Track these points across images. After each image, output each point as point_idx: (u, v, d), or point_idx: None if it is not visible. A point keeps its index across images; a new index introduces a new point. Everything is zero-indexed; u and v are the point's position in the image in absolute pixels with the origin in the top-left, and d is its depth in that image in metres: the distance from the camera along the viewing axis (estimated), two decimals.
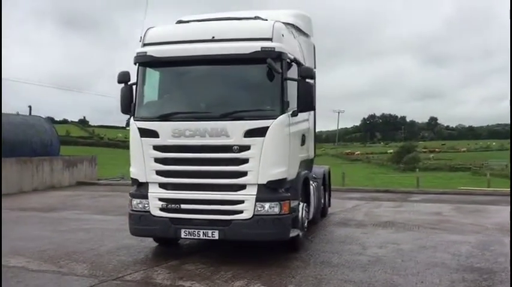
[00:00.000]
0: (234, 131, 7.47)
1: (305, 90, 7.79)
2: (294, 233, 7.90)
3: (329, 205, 13.33)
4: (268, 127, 7.43)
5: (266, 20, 8.11)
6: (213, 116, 7.63)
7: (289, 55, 7.95)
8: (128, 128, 8.20)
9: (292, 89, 7.80)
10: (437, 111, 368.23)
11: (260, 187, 7.52)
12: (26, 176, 19.86)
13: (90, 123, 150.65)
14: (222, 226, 7.56)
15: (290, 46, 8.18)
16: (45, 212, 13.96)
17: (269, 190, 7.57)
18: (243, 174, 7.51)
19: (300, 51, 9.17)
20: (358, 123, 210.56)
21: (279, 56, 7.58)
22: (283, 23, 8.78)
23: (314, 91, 10.10)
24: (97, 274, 7.20)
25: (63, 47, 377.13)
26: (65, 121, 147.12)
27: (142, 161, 7.86)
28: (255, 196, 7.49)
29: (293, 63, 8.14)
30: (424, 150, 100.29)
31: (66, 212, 13.93)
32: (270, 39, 7.59)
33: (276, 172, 7.54)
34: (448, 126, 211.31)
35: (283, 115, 7.58)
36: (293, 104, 7.80)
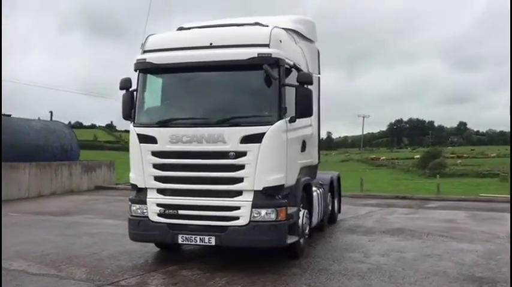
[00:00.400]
0: (230, 137, 7.48)
1: (303, 96, 7.75)
2: (291, 239, 7.85)
3: (339, 211, 13.22)
4: (264, 133, 7.41)
5: (266, 26, 8.11)
6: (210, 122, 7.66)
7: (288, 61, 7.93)
8: None
9: (291, 95, 7.77)
10: (467, 115, 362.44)
11: (256, 193, 7.51)
12: (45, 180, 20.24)
13: (117, 128, 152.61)
14: (219, 232, 7.56)
15: (289, 52, 8.16)
16: (59, 216, 14.20)
17: (266, 196, 7.54)
18: (239, 180, 7.51)
19: (302, 57, 9.15)
20: (384, 128, 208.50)
21: (276, 62, 7.57)
22: (283, 28, 8.78)
23: (316, 97, 10.25)
24: (94, 278, 7.28)
25: (92, 53, 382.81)
26: (92, 126, 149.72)
27: (141, 167, 7.93)
28: (251, 202, 7.48)
29: (293, 69, 8.11)
30: (452, 155, 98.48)
31: (78, 217, 14.14)
32: (267, 45, 7.59)
33: (272, 178, 7.51)
34: (477, 131, 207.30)
35: (280, 121, 7.55)
36: (292, 110, 7.78)
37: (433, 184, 24.12)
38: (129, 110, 8.21)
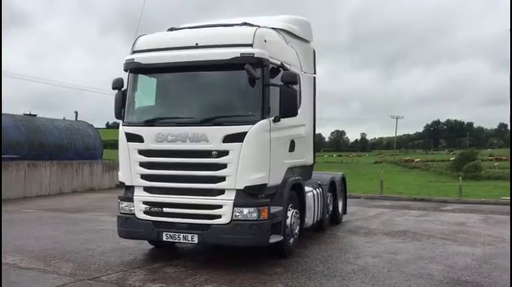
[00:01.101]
0: (213, 136, 7.55)
1: (287, 95, 7.76)
2: (274, 239, 7.85)
3: (344, 212, 13.11)
4: (246, 132, 7.45)
5: (256, 26, 8.15)
6: (194, 122, 7.75)
7: (274, 60, 7.95)
8: None
9: (277, 94, 7.78)
10: (508, 117, 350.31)
11: (238, 192, 7.55)
12: (66, 178, 20.78)
13: None
14: (201, 230, 7.64)
15: (276, 51, 8.16)
16: (71, 213, 14.56)
17: (248, 196, 7.58)
18: (221, 179, 7.57)
19: (293, 56, 9.14)
20: (421, 129, 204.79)
21: (259, 62, 7.59)
22: (274, 28, 8.81)
23: (311, 97, 10.22)
24: (77, 273, 7.47)
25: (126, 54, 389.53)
26: None
27: (128, 165, 8.08)
28: (232, 201, 7.53)
29: (280, 68, 8.11)
30: (490, 158, 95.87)
31: (89, 214, 14.47)
32: (251, 45, 7.62)
33: (253, 178, 7.54)
34: None
35: (263, 121, 7.57)
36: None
37: (467, 187, 23.51)
38: (120, 109, 8.38)
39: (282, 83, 7.78)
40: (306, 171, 9.92)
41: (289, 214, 8.54)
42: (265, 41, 7.84)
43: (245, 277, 7.32)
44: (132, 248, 9.14)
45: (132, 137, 8.02)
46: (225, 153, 7.53)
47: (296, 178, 8.87)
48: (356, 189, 22.67)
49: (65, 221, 12.81)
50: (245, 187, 7.51)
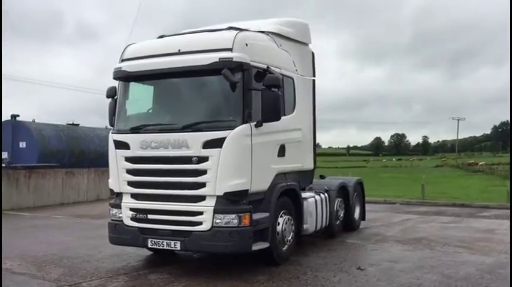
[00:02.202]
0: (193, 142, 7.51)
1: (269, 99, 7.61)
2: (259, 246, 7.69)
3: (363, 219, 12.69)
4: (225, 138, 7.36)
5: (240, 30, 8.07)
6: (176, 128, 7.74)
7: (257, 64, 7.83)
8: None
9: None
10: None
11: (219, 198, 7.46)
12: (103, 185, 21.33)
13: None
14: (184, 237, 7.60)
15: (261, 55, 8.03)
16: (96, 219, 14.91)
17: (228, 202, 7.47)
18: (202, 185, 7.51)
19: (285, 59, 8.95)
20: (488, 131, 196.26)
21: (239, 66, 7.50)
22: (263, 31, 8.70)
23: (311, 100, 9.98)
24: (62, 279, 7.61)
25: None
26: None
27: (116, 172, 8.19)
28: (213, 208, 7.45)
29: (267, 72, 7.95)
30: None
31: None
32: (230, 50, 7.54)
33: (233, 183, 7.43)
34: None
35: (242, 126, 7.46)
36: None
37: None
38: (112, 117, 8.52)
39: (264, 87, 7.64)
40: (305, 176, 9.68)
41: (280, 220, 8.36)
42: (246, 44, 7.72)
43: (224, 284, 7.21)
44: (130, 254, 9.22)
45: (119, 145, 8.12)
46: (204, 159, 7.47)
47: (289, 183, 8.66)
48: (399, 194, 21.99)
49: (85, 227, 13.15)
50: (224, 193, 7.41)
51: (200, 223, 7.51)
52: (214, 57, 7.49)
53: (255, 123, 7.62)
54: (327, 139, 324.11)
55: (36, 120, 22.62)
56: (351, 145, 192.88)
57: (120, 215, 8.16)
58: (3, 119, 21.58)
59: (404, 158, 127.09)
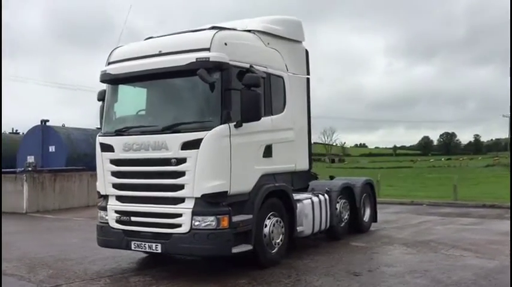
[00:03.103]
0: (172, 144, 7.46)
1: (249, 99, 7.48)
2: (240, 249, 7.54)
3: (374, 220, 12.29)
4: (202, 139, 7.27)
5: (221, 29, 7.99)
6: (156, 130, 7.72)
7: (239, 63, 7.72)
8: None
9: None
10: None
11: (197, 200, 7.38)
12: None
13: None
14: (164, 239, 7.56)
15: (243, 54, 7.93)
16: None
17: (207, 204, 7.38)
18: (181, 187, 7.45)
19: (273, 58, 8.78)
20: None
21: (217, 66, 7.41)
22: (249, 30, 8.57)
23: (305, 98, 9.75)
24: (46, 280, 7.71)
25: None
26: None
27: (102, 175, 8.24)
28: (191, 210, 7.37)
29: (249, 71, 7.80)
30: None
31: None
32: (208, 49, 7.45)
33: (211, 185, 7.32)
34: None
35: (220, 126, 7.35)
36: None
37: None
38: (102, 120, 8.59)
39: (243, 86, 7.50)
40: (299, 177, 9.47)
41: (268, 222, 8.18)
42: (225, 44, 7.61)
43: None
44: (124, 256, 9.19)
45: (104, 147, 8.17)
46: (183, 160, 7.40)
47: (277, 184, 8.47)
48: (440, 195, 21.22)
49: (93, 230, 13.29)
50: (202, 195, 7.33)
51: (179, 225, 7.44)
52: (191, 57, 7.43)
53: (234, 123, 7.49)
54: (374, 139, 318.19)
55: (79, 126, 23.29)
56: (399, 145, 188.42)
57: (107, 217, 8.20)
58: (33, 124, 22.36)
59: (454, 158, 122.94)
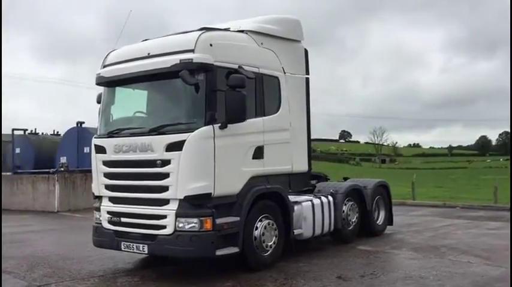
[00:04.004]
0: (157, 145, 7.49)
1: (234, 100, 7.40)
2: (226, 251, 7.47)
3: (390, 224, 11.88)
4: (185, 140, 7.26)
5: (215, 30, 8.02)
6: (143, 132, 7.77)
7: (226, 64, 7.67)
8: None
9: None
10: None
11: (181, 202, 7.37)
12: None
13: None
14: (150, 240, 7.59)
15: (230, 55, 7.87)
16: None
17: (191, 206, 7.35)
18: (165, 189, 7.46)
19: (266, 58, 8.66)
20: None
21: (201, 67, 7.37)
22: (242, 31, 8.50)
23: (304, 99, 9.56)
24: (38, 278, 7.89)
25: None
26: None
27: (96, 176, 8.37)
28: (175, 211, 7.37)
29: (236, 72, 7.72)
30: None
31: None
32: (192, 51, 7.44)
33: (193, 187, 7.29)
34: None
35: (203, 128, 7.31)
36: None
37: None
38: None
39: (228, 87, 7.43)
40: (297, 179, 9.29)
41: (259, 224, 8.07)
42: (210, 45, 7.57)
43: None
44: (124, 257, 9.23)
45: (98, 149, 8.30)
46: (167, 162, 7.41)
47: (269, 186, 8.34)
48: (481, 198, 20.40)
49: None
50: (185, 196, 7.31)
51: (164, 227, 7.46)
52: (176, 59, 7.44)
53: (219, 124, 7.43)
54: (428, 139, 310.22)
55: None
56: (455, 145, 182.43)
57: (100, 218, 8.32)
58: (70, 126, 23.04)
59: None
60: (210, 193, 7.38)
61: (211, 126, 7.36)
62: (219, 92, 7.43)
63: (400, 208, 18.39)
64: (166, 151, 7.39)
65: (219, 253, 7.39)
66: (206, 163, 7.36)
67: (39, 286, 7.51)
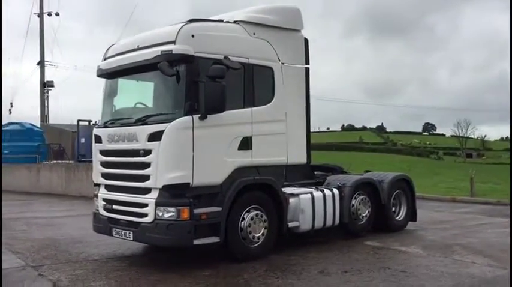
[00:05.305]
0: (141, 135, 7.70)
1: (212, 90, 7.43)
2: (204, 241, 7.54)
3: (413, 219, 11.36)
4: (164, 131, 7.40)
5: (200, 21, 8.08)
6: (130, 122, 8.00)
7: (209, 55, 7.73)
8: None
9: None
10: None
11: (161, 191, 7.53)
12: None
13: (387, 130, 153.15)
14: (135, 227, 7.82)
15: (215, 45, 7.91)
16: None
17: (170, 195, 7.49)
18: (147, 178, 7.64)
19: (259, 48, 8.58)
20: None
21: (182, 58, 7.47)
22: (233, 22, 8.50)
23: (304, 89, 9.38)
24: (37, 259, 8.43)
25: (377, 55, 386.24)
26: (363, 128, 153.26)
27: (95, 164, 8.75)
28: (155, 200, 7.54)
29: (221, 64, 7.73)
30: None
31: None
32: (173, 42, 7.55)
33: (171, 176, 7.42)
34: None
35: (182, 118, 7.42)
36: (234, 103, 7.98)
37: None
38: None
39: (207, 78, 7.47)
40: (294, 171, 9.14)
41: (246, 215, 8.06)
42: (192, 36, 7.64)
43: (161, 275, 7.30)
44: (129, 244, 9.42)
45: (96, 139, 8.66)
46: (149, 152, 7.60)
47: (257, 177, 8.29)
48: None
49: None
50: (163, 185, 7.46)
51: (146, 215, 7.65)
52: (157, 51, 7.58)
53: (199, 115, 7.50)
54: None
55: None
56: None
57: (98, 204, 8.69)
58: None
59: None
60: (189, 183, 7.48)
61: (190, 117, 7.44)
62: (201, 83, 7.47)
63: (448, 205, 17.61)
64: (148, 141, 7.57)
65: (197, 242, 7.48)
66: (184, 153, 7.46)
67: (34, 266, 7.98)
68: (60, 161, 25.15)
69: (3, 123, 31.41)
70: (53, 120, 35.99)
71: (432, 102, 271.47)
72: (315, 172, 11.06)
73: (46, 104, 35.42)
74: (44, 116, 35.19)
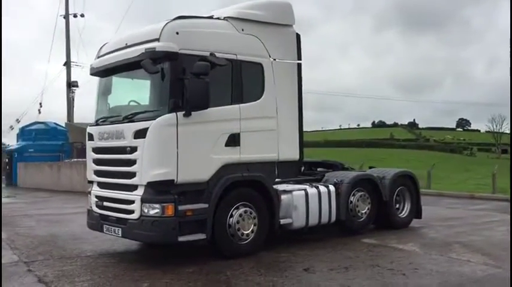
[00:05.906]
0: (127, 133, 7.76)
1: (196, 87, 7.42)
2: (189, 237, 7.54)
3: (417, 217, 11.13)
4: (148, 128, 7.44)
5: (187, 18, 8.08)
6: (118, 120, 8.07)
7: (195, 52, 7.71)
8: None
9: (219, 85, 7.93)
10: None
11: (146, 188, 7.57)
12: None
13: (419, 126, 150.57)
14: (123, 224, 7.88)
15: (201, 42, 7.88)
16: None
17: (155, 192, 7.52)
18: (133, 175, 7.69)
19: (248, 44, 8.51)
20: None
21: (165, 56, 7.48)
22: (222, 18, 8.48)
23: (296, 85, 9.28)
24: (32, 254, 8.58)
25: (408, 49, 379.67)
26: (395, 125, 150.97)
27: (88, 162, 8.86)
28: (140, 197, 7.58)
29: (206, 60, 7.71)
30: None
31: None
32: (157, 40, 7.58)
33: (155, 173, 7.45)
34: None
35: (165, 115, 7.43)
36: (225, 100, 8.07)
37: None
38: None
39: (191, 75, 7.46)
40: (286, 167, 9.04)
41: (234, 212, 8.03)
42: (177, 33, 7.64)
43: (150, 272, 7.32)
44: (125, 240, 9.58)
45: (89, 136, 8.77)
46: (134, 149, 7.65)
47: (245, 174, 8.24)
48: None
49: None
50: (148, 182, 7.49)
51: (133, 212, 7.70)
52: (142, 48, 7.61)
53: (183, 113, 7.50)
54: None
55: None
56: None
57: (91, 201, 8.80)
58: None
59: None
60: (173, 180, 7.49)
61: (174, 114, 7.44)
62: (185, 80, 7.47)
63: (464, 201, 17.22)
64: (134, 138, 7.62)
65: (182, 239, 7.48)
66: (168, 150, 7.46)
67: (26, 262, 8.12)
68: (80, 159, 25.58)
69: (30, 122, 32.24)
70: (78, 119, 36.64)
71: (467, 98, 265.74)
72: (318, 169, 10.99)
73: (72, 104, 36.04)
74: (70, 116, 35.85)
